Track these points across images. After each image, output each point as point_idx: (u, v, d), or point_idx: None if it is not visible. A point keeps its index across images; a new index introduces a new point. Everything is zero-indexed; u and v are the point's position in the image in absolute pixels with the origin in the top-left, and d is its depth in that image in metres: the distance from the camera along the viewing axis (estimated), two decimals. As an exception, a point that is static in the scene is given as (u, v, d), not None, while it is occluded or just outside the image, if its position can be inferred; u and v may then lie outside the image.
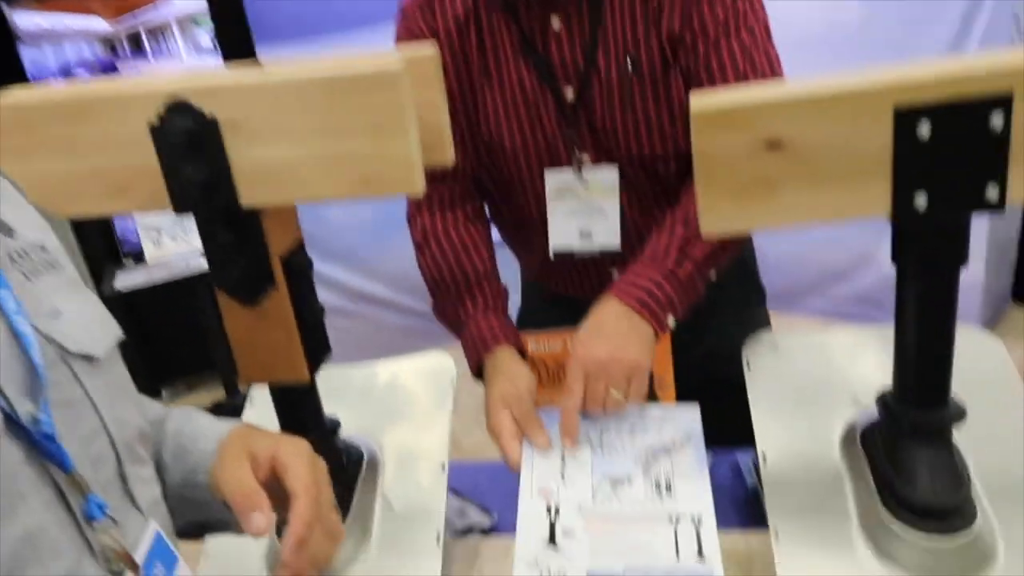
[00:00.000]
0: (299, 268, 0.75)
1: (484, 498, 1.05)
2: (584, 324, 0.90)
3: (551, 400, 0.96)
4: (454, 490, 1.06)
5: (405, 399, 0.96)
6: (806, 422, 0.83)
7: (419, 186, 0.65)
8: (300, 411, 0.81)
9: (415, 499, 0.86)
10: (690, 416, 0.89)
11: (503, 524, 1.00)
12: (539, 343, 0.98)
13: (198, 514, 0.68)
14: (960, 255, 0.63)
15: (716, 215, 0.62)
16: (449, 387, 0.95)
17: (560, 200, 0.98)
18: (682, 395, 0.98)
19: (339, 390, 0.97)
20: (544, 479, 0.84)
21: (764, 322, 1.20)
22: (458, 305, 1.01)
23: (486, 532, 0.99)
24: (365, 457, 0.89)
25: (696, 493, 0.80)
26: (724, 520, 0.79)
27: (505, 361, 0.93)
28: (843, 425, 0.81)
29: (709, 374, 1.14)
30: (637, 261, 0.92)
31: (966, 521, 0.70)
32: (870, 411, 0.80)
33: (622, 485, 0.82)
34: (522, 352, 0.96)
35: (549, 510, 0.81)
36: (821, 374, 0.86)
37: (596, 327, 0.89)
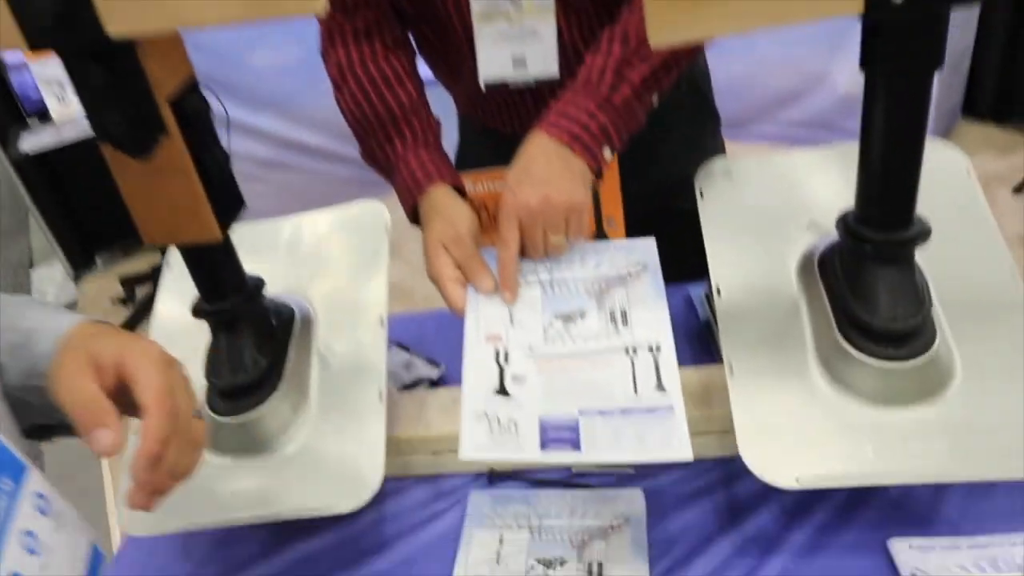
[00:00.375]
0: (194, 111, 0.65)
1: (432, 349, 1.00)
2: (512, 166, 0.81)
3: (495, 244, 0.90)
4: (400, 343, 1.02)
5: (336, 252, 0.89)
6: (761, 251, 0.78)
7: (319, 4, 0.55)
8: (216, 273, 0.74)
9: (354, 356, 0.81)
10: (645, 247, 0.84)
11: (452, 375, 0.97)
12: (478, 183, 0.90)
13: (42, 418, 0.60)
14: (936, 56, 0.57)
15: (665, 21, 0.54)
16: (383, 235, 0.88)
17: (488, 23, 0.87)
18: (632, 230, 0.92)
19: (263, 247, 0.90)
20: (491, 324, 0.79)
21: (718, 150, 1.13)
22: (385, 145, 0.91)
23: (435, 384, 0.96)
24: (297, 316, 0.83)
25: (653, 321, 0.76)
26: (678, 355, 0.76)
27: (441, 200, 0.85)
28: (800, 252, 0.77)
29: (659, 206, 1.09)
30: (569, 88, 0.83)
31: (925, 344, 0.67)
32: (829, 236, 0.76)
33: (575, 321, 0.78)
34: (460, 190, 0.89)
35: (498, 356, 0.76)
36: (778, 200, 0.81)
37: (525, 169, 0.80)
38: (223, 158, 0.70)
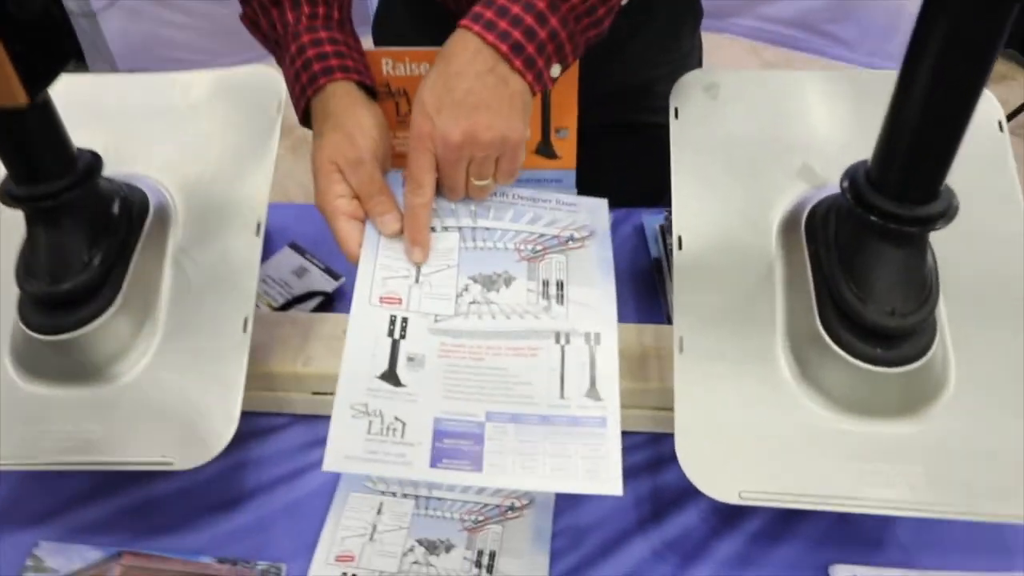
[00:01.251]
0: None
1: (332, 255, 0.84)
2: (429, 75, 0.60)
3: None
4: (296, 245, 0.85)
5: (211, 129, 0.70)
6: (739, 197, 0.63)
7: None
8: (28, 148, 0.55)
9: (219, 269, 0.64)
10: (595, 208, 0.67)
11: (349, 292, 0.81)
12: (399, 63, 0.71)
13: None
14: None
15: None
16: (275, 115, 0.69)
17: None
18: (586, 144, 0.75)
19: (113, 109, 0.70)
20: (389, 280, 0.61)
21: (695, 52, 0.95)
22: (272, 9, 0.68)
23: (326, 301, 0.80)
24: (151, 207, 0.66)
25: (596, 302, 0.60)
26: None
27: (342, 105, 0.64)
28: (786, 204, 0.62)
29: (620, 115, 0.92)
30: None
31: (921, 348, 0.54)
32: (824, 188, 0.61)
33: (496, 287, 0.61)
34: (369, 89, 0.67)
35: (392, 326, 0.59)
36: (768, 133, 0.65)
37: (446, 85, 0.58)
38: (34, -10, 0.50)
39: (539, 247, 0.63)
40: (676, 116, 0.66)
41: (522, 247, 0.63)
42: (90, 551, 0.62)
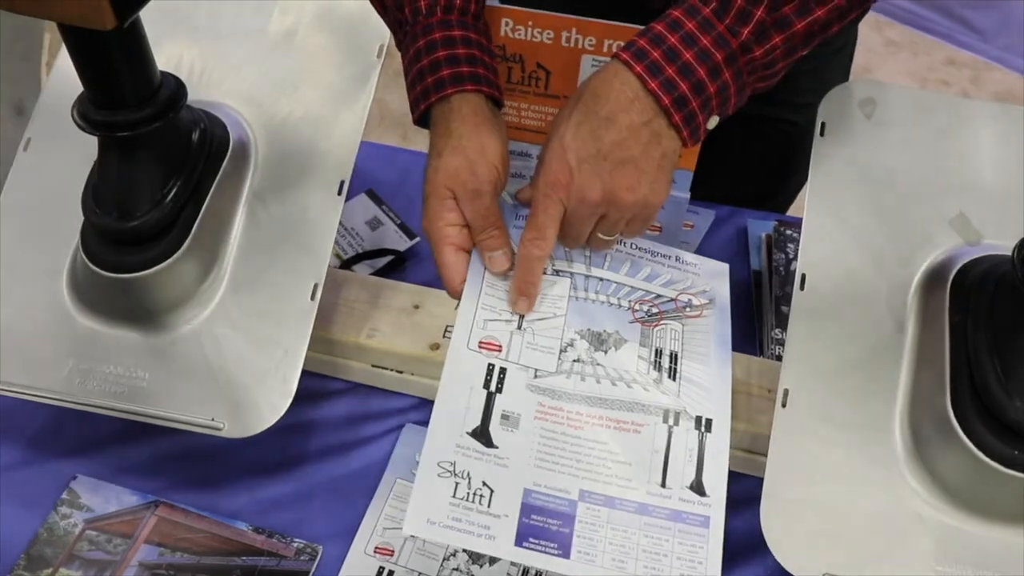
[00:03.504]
0: None
1: (410, 210, 0.78)
2: (573, 113, 0.52)
3: (524, 108, 0.66)
4: (373, 193, 0.80)
5: (305, 63, 0.64)
6: (879, 240, 0.56)
7: None
8: (108, 73, 0.50)
9: (294, 224, 0.60)
10: (716, 273, 0.60)
11: (424, 252, 0.76)
12: (518, 26, 0.63)
13: None
14: None
15: None
16: (374, 60, 0.63)
17: None
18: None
19: (204, 27, 0.65)
20: (491, 323, 0.55)
21: (847, 49, 0.83)
22: None
23: (397, 261, 0.75)
24: (231, 143, 0.61)
25: (710, 384, 0.54)
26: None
27: (467, 122, 0.56)
28: (931, 258, 0.55)
29: (748, 106, 0.83)
30: (692, 0, 0.51)
31: (1069, 457, 0.47)
32: (981, 248, 0.54)
33: (605, 348, 0.55)
34: (498, 101, 0.58)
35: (488, 377, 0.53)
36: (924, 168, 0.57)
37: (592, 130, 0.50)
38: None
39: (655, 310, 0.56)
40: (822, 133, 0.58)
41: (637, 307, 0.56)
42: (127, 494, 0.60)
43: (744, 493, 0.60)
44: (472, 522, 0.48)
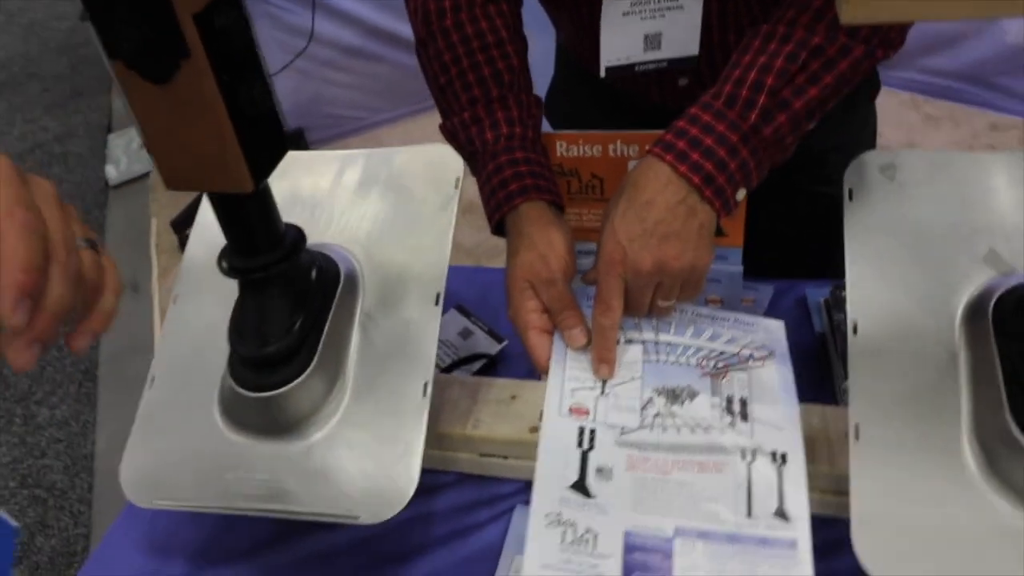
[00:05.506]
0: (225, 29, 0.52)
1: (496, 318, 0.88)
2: (620, 201, 0.63)
3: (585, 213, 0.75)
4: (462, 307, 0.89)
5: (395, 202, 0.76)
6: (919, 282, 0.62)
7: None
8: (246, 227, 0.62)
9: (401, 336, 0.69)
10: (773, 328, 0.67)
11: (512, 352, 0.84)
12: (571, 146, 0.74)
13: None
14: None
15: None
16: (452, 191, 0.74)
17: None
18: (748, 208, 0.75)
19: (307, 181, 0.77)
20: (577, 391, 0.64)
21: (870, 125, 0.93)
22: (472, 127, 0.73)
23: (490, 363, 0.84)
24: (341, 275, 0.72)
25: (781, 422, 0.60)
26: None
27: (535, 224, 0.67)
28: (971, 291, 0.60)
29: (786, 181, 0.91)
30: (707, 104, 0.62)
31: None
32: (1016, 277, 0.59)
33: (681, 401, 0.62)
34: (559, 204, 0.70)
35: (581, 438, 0.60)
36: (950, 216, 0.64)
37: (637, 213, 0.61)
38: (262, 90, 0.57)
39: (720, 364, 0.64)
40: (851, 198, 0.65)
41: (704, 363, 0.64)
42: (278, 593, 0.67)
43: (836, 536, 0.63)
44: (582, 563, 0.54)
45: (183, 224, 2.42)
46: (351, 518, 0.62)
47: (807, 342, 0.81)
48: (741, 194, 0.62)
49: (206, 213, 0.79)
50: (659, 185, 0.61)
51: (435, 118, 0.79)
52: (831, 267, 0.95)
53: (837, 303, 0.80)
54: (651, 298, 0.63)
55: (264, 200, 0.62)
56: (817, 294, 0.84)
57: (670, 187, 0.60)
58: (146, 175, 2.84)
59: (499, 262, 0.77)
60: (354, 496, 0.63)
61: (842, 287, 0.83)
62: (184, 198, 2.58)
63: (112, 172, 2.83)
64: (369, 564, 0.68)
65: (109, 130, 3.13)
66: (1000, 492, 0.54)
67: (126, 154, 2.87)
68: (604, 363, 0.63)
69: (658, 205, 0.60)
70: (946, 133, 2.24)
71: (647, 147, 0.62)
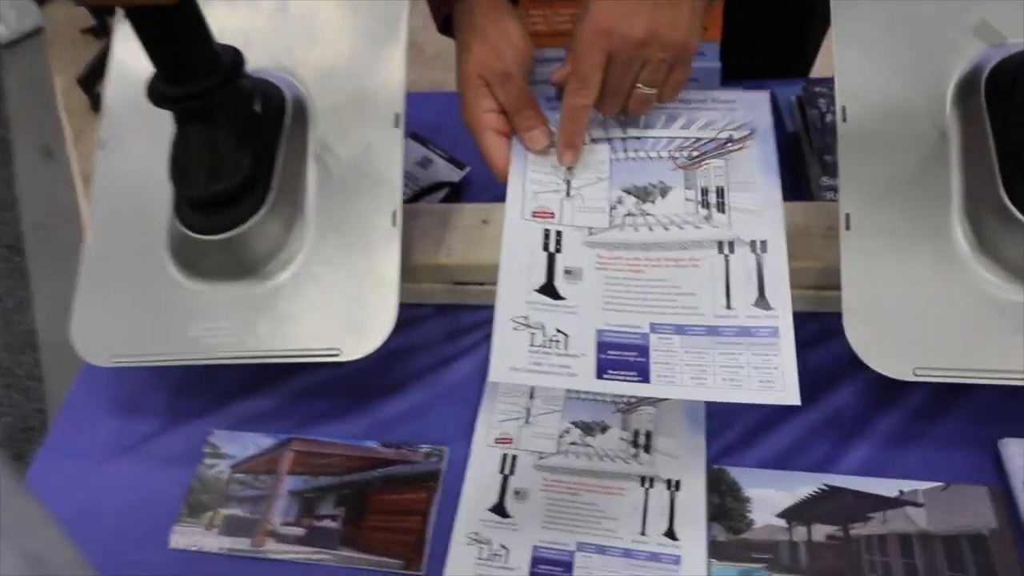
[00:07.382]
0: None
1: (454, 143, 0.82)
2: None
3: (552, 15, 0.69)
4: (416, 134, 0.84)
5: (338, 15, 0.68)
6: (908, 62, 0.58)
7: None
8: (176, 49, 0.55)
9: (361, 163, 0.64)
10: (756, 103, 0.63)
11: (477, 180, 0.80)
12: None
13: None
14: None
15: None
16: (402, 8, 0.67)
17: None
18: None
19: (245, 8, 0.69)
20: (540, 195, 0.59)
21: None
22: None
23: (454, 191, 0.79)
24: (288, 101, 0.65)
25: (760, 208, 0.57)
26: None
27: (487, 16, 0.60)
28: (962, 67, 0.58)
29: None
30: None
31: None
32: (1005, 47, 0.56)
33: (652, 198, 0.58)
34: None
35: (547, 240, 0.56)
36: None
37: None
38: None
39: (695, 153, 0.60)
40: (836, -24, 0.60)
41: (677, 154, 0.60)
42: (261, 438, 0.66)
43: (820, 331, 0.64)
44: (552, 364, 0.53)
45: (91, 80, 2.23)
46: (331, 354, 0.59)
47: (778, 142, 0.78)
48: None
49: (123, 51, 0.70)
50: None
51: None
52: (799, 68, 0.92)
53: (810, 100, 0.77)
54: (631, 85, 0.58)
55: (192, 13, 0.54)
56: (787, 92, 0.81)
57: None
58: (40, 30, 2.58)
59: (442, 63, 0.70)
60: (330, 334, 0.60)
61: (812, 83, 0.80)
62: (87, 52, 2.36)
63: (1, 30, 2.56)
64: (353, 402, 0.66)
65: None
66: (992, 268, 0.53)
67: (14, 7, 2.59)
68: (570, 148, 0.59)
69: None
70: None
71: None
